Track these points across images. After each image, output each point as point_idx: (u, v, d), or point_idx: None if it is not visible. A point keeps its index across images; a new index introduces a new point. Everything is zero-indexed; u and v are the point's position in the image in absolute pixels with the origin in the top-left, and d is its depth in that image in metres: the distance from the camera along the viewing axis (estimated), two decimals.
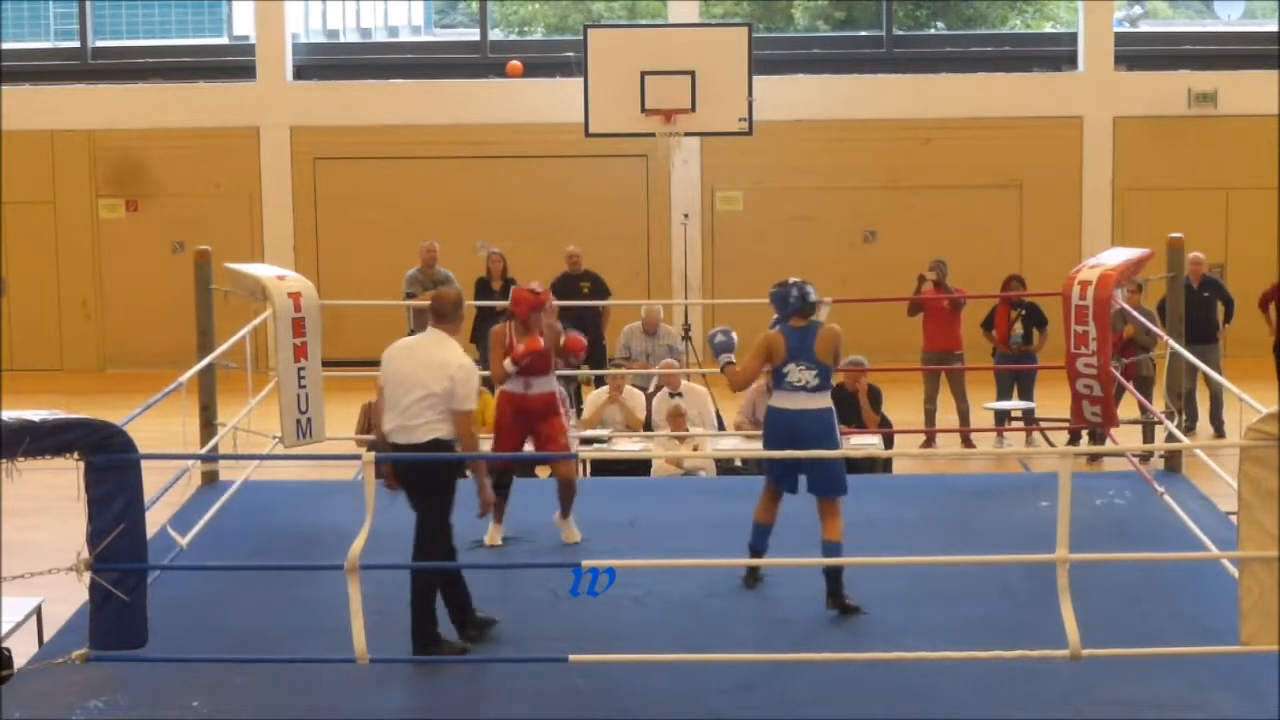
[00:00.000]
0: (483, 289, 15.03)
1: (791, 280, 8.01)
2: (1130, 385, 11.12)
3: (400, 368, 7.44)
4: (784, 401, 7.88)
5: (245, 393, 10.20)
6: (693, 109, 15.17)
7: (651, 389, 12.78)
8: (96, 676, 6.88)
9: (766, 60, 17.13)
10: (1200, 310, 14.25)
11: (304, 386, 9.79)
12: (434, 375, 7.30)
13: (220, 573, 8.15)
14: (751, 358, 8.01)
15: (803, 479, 7.93)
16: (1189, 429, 13.63)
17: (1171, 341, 10.14)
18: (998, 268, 15.61)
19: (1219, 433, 14.17)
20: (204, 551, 8.71)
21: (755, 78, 15.44)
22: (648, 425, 12.21)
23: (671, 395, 12.17)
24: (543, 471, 11.26)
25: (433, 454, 7.33)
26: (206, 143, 18.43)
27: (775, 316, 8.05)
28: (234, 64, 18.96)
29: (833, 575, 7.77)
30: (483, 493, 7.42)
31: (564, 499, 8.94)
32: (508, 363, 8.70)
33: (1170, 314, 10.55)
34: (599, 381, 13.56)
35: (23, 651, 7.41)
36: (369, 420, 11.28)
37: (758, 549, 8.11)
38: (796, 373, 7.83)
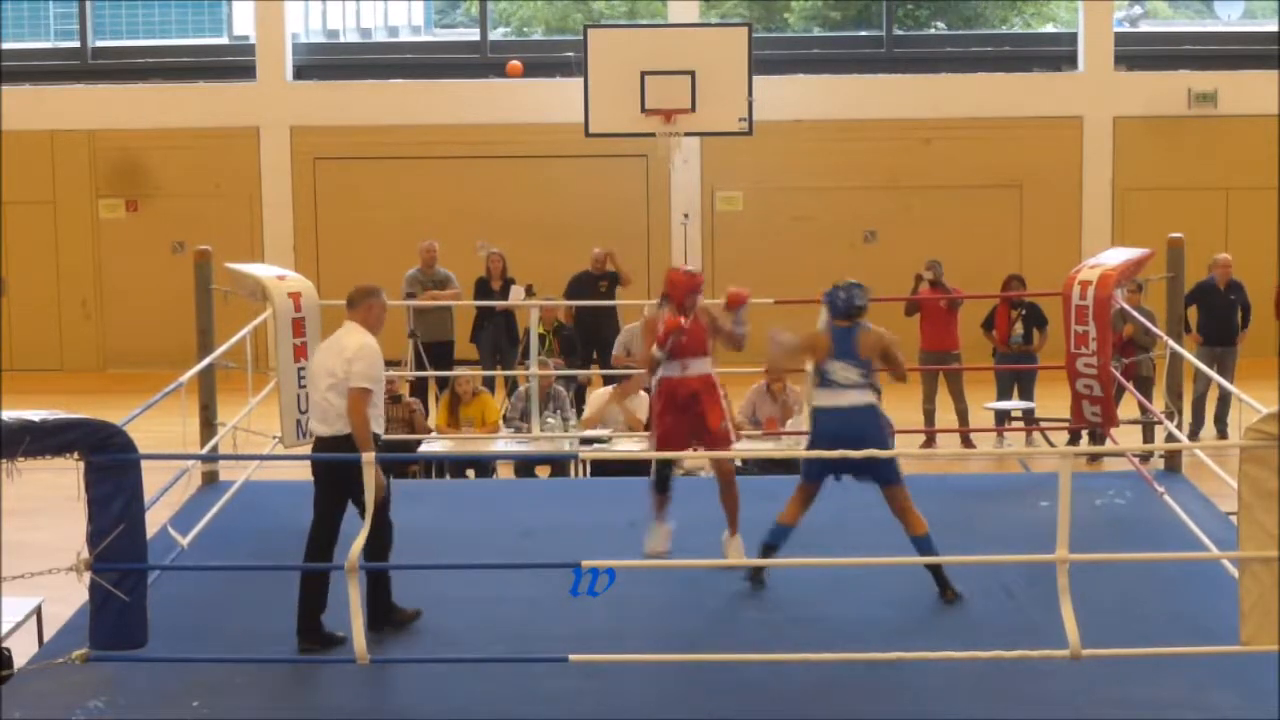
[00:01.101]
0: (483, 289, 15.02)
1: (843, 284, 8.19)
2: (1130, 385, 11.11)
3: (312, 364, 7.56)
4: (827, 400, 8.06)
5: (245, 393, 10.19)
6: (693, 109, 15.17)
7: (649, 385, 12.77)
8: (96, 676, 6.88)
9: (766, 60, 17.13)
10: (1225, 312, 14.19)
11: (304, 386, 9.76)
12: (335, 361, 7.35)
13: (220, 573, 8.15)
14: (796, 347, 8.29)
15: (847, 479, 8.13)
16: (1194, 434, 13.57)
17: (1171, 342, 10.13)
18: (998, 268, 15.61)
19: (1222, 434, 14.14)
20: (204, 551, 8.71)
21: (755, 78, 15.44)
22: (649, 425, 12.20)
23: None
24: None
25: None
26: (206, 143, 18.44)
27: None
28: (234, 64, 18.97)
29: (933, 569, 7.86)
30: (376, 478, 7.03)
31: (728, 506, 8.39)
32: (655, 349, 8.29)
33: (1169, 314, 10.53)
34: (607, 380, 13.56)
35: (23, 651, 7.41)
36: None
37: (772, 546, 8.07)
38: (839, 371, 8.02)
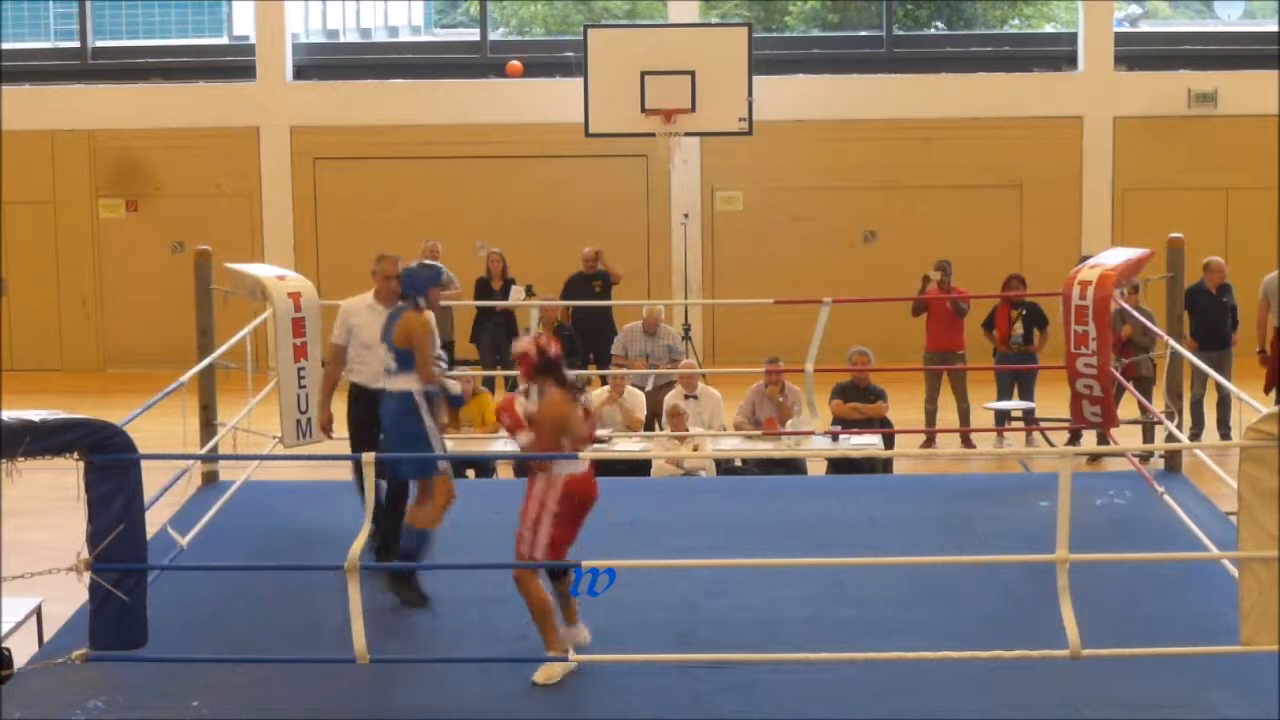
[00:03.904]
0: (483, 289, 15.03)
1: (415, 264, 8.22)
2: (1130, 385, 11.11)
3: None
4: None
5: (245, 393, 10.20)
6: (693, 109, 15.18)
7: (649, 387, 12.78)
8: (96, 676, 6.88)
9: (766, 60, 17.13)
10: (1217, 315, 14.10)
11: (304, 386, 9.78)
12: None
13: (220, 573, 8.15)
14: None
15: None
16: (1194, 437, 13.53)
17: (1171, 341, 10.13)
18: (998, 268, 15.60)
19: (1225, 437, 14.06)
20: (204, 552, 8.71)
21: (755, 78, 15.44)
22: (651, 424, 12.21)
23: (687, 397, 12.15)
24: None
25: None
26: (206, 143, 18.43)
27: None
28: (234, 64, 18.96)
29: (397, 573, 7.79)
30: None
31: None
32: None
33: (1169, 314, 10.53)
34: (605, 380, 13.57)
35: (23, 651, 7.41)
36: None
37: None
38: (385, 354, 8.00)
